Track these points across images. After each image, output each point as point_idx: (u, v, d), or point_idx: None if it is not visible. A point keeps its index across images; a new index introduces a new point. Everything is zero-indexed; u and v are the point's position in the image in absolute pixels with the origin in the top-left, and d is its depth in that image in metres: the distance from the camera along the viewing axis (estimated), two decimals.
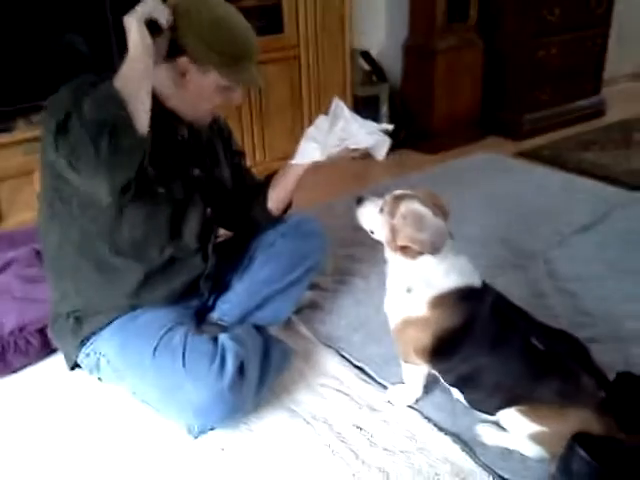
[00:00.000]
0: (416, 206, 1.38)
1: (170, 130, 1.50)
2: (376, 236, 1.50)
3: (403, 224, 1.37)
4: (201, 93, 1.45)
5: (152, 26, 1.27)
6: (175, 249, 1.55)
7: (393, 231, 1.40)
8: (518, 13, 3.65)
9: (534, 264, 2.26)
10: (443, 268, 1.38)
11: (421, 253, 1.37)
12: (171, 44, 1.35)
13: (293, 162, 1.64)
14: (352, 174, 3.25)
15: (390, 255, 1.46)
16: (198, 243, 1.60)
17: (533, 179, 3.15)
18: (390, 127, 1.61)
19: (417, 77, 3.64)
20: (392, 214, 1.40)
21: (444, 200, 1.47)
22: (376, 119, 3.53)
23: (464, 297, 1.39)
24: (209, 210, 1.62)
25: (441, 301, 1.38)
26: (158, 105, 1.43)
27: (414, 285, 1.41)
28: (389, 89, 3.58)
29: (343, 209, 2.61)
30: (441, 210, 1.42)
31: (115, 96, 1.20)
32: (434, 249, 1.36)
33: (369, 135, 1.57)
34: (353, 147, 1.57)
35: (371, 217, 1.48)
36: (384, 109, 3.58)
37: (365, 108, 3.40)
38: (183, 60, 1.38)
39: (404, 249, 1.39)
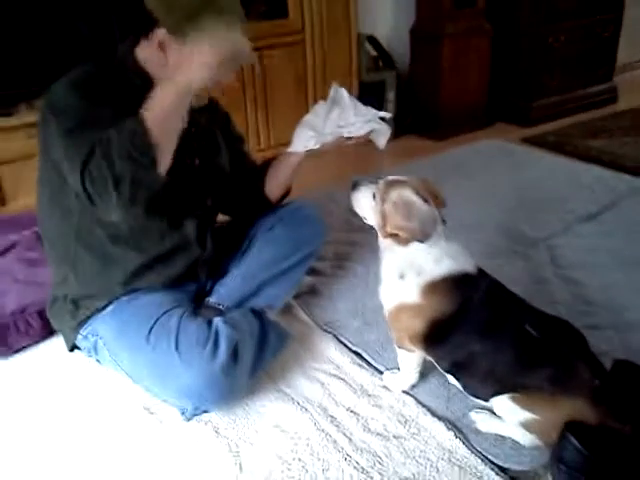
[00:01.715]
0: (406, 193, 1.37)
1: None
2: (369, 222, 1.49)
3: (392, 211, 1.37)
4: None
5: None
6: (175, 238, 1.55)
7: (383, 218, 1.40)
8: None
9: (536, 251, 2.24)
10: (434, 254, 1.37)
11: (411, 240, 1.36)
12: (143, 16, 1.32)
13: (289, 150, 1.63)
14: (356, 159, 3.23)
15: (382, 242, 1.45)
16: (198, 231, 1.60)
17: (538, 166, 3.11)
18: (388, 115, 1.60)
19: (424, 62, 3.61)
20: (383, 200, 1.40)
21: (439, 188, 1.45)
22: (382, 105, 3.54)
23: (457, 284, 1.37)
24: (209, 200, 1.62)
25: (434, 288, 1.37)
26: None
27: (406, 272, 1.40)
28: (396, 75, 3.55)
29: (344, 195, 2.58)
30: (434, 197, 1.40)
31: (144, 139, 1.18)
32: (423, 236, 1.35)
33: (366, 123, 1.56)
34: (348, 135, 1.56)
35: (364, 202, 1.48)
36: (391, 95, 3.55)
37: (371, 94, 3.38)
38: (160, 32, 1.34)
39: (394, 236, 1.39)
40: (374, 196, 1.44)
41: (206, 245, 1.64)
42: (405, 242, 1.38)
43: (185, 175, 1.52)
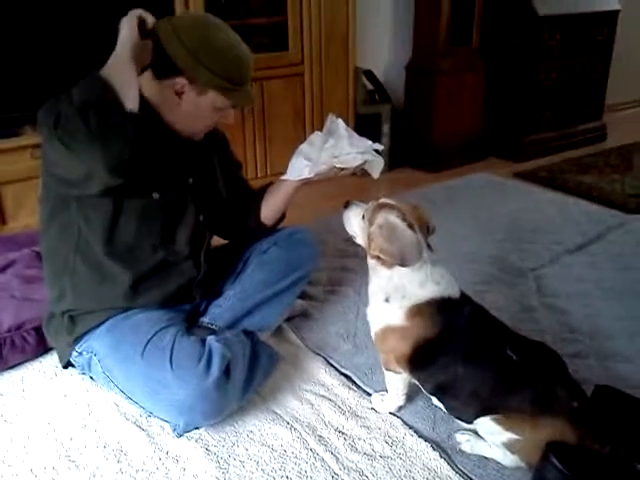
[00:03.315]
0: (392, 218, 1.40)
1: (166, 139, 1.55)
2: (358, 240, 1.55)
3: (377, 234, 1.41)
4: (197, 112, 1.53)
5: (141, 28, 1.41)
6: (167, 253, 1.60)
7: (369, 239, 1.45)
8: (519, 37, 3.73)
9: (524, 280, 2.29)
10: (419, 279, 1.41)
11: (392, 264, 1.41)
12: (167, 63, 1.43)
13: (284, 178, 1.69)
14: (352, 190, 3.29)
15: (370, 263, 1.50)
16: (190, 249, 1.65)
17: (528, 199, 3.20)
18: (381, 147, 1.66)
19: (419, 97, 3.72)
20: (371, 222, 1.45)
21: (428, 214, 1.49)
22: (377, 138, 3.62)
23: (441, 307, 1.41)
24: (202, 217, 1.67)
25: (418, 311, 1.41)
26: (154, 115, 1.50)
27: (391, 295, 1.44)
28: (391, 108, 3.65)
29: (338, 224, 2.65)
30: (422, 224, 1.44)
31: (100, 79, 1.30)
32: (403, 261, 1.39)
33: (360, 154, 1.60)
34: (342, 166, 1.61)
35: (354, 222, 1.53)
36: (386, 128, 3.64)
37: (367, 126, 3.46)
38: (180, 81, 1.45)
39: (379, 258, 1.43)
40: (363, 217, 1.49)
41: (200, 266, 1.69)
42: (389, 265, 1.42)
43: (177, 191, 1.58)
